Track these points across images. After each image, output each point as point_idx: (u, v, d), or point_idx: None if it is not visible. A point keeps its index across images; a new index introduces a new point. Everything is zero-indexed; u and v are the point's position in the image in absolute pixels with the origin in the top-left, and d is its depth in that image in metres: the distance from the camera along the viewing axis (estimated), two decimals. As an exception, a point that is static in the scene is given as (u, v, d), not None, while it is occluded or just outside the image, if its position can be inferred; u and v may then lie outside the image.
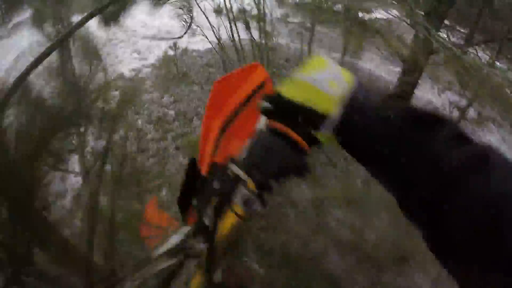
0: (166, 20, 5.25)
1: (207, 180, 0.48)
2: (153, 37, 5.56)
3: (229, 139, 0.51)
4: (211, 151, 0.50)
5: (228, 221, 0.47)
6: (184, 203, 0.51)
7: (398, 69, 4.40)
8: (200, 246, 0.47)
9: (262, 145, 0.45)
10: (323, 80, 0.40)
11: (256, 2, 3.81)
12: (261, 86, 0.53)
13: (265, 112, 0.44)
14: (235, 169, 0.44)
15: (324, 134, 0.41)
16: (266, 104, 0.43)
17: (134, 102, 3.63)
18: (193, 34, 4.11)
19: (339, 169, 2.88)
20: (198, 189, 0.50)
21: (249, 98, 0.53)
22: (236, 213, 0.45)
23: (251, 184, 0.44)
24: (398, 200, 0.38)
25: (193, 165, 0.51)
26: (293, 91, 0.41)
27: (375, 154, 0.38)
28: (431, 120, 0.36)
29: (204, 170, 0.49)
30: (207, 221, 0.46)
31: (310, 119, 0.40)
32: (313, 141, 0.43)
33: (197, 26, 3.92)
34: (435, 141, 0.35)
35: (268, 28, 4.13)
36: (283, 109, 0.42)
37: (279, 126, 0.43)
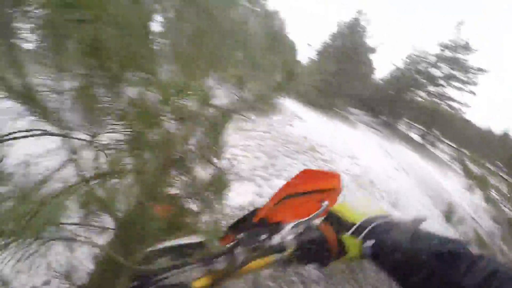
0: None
1: (255, 224, 0.66)
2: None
3: (284, 208, 0.68)
4: (268, 208, 0.66)
5: (258, 262, 0.65)
6: (230, 229, 0.68)
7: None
8: (219, 265, 0.63)
9: (307, 236, 0.65)
10: (359, 205, 0.66)
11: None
12: (328, 190, 0.72)
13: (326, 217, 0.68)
14: (284, 233, 0.64)
15: (350, 240, 0.61)
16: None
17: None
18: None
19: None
20: (246, 227, 0.67)
21: (315, 191, 0.70)
22: (267, 260, 0.65)
23: (288, 251, 0.63)
24: None
25: (253, 212, 0.69)
26: (338, 207, 0.68)
27: (400, 271, 0.53)
28: (450, 254, 0.49)
29: (257, 218, 0.66)
30: (238, 251, 0.63)
31: (342, 226, 0.63)
32: (342, 249, 0.63)
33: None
34: (454, 270, 0.47)
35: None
36: (329, 217, 0.67)
37: (324, 227, 0.66)
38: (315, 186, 0.70)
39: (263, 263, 0.67)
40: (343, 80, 14.92)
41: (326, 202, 0.69)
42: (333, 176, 0.72)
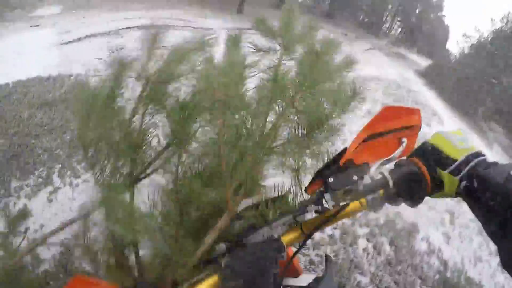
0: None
1: (341, 168, 0.64)
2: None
3: (367, 149, 0.66)
4: (352, 151, 0.64)
5: (352, 206, 0.70)
6: (317, 175, 0.66)
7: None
8: (312, 213, 0.65)
9: (403, 171, 0.63)
10: (455, 139, 0.61)
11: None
12: (410, 127, 0.70)
13: (416, 150, 0.66)
14: (372, 173, 0.64)
15: (449, 177, 0.58)
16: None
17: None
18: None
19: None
20: (332, 172, 0.64)
21: (396, 130, 0.68)
22: (361, 203, 0.71)
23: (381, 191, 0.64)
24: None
25: (341, 153, 0.66)
26: (434, 140, 0.64)
27: (492, 211, 0.53)
28: None
29: (342, 161, 0.64)
30: (328, 197, 0.62)
31: (440, 161, 0.60)
32: (436, 185, 0.62)
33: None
34: None
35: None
36: (424, 150, 0.64)
37: (417, 161, 0.63)
38: (396, 124, 0.68)
39: (357, 206, 0.71)
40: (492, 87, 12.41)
41: (405, 140, 0.68)
42: (413, 112, 0.71)
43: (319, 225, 0.70)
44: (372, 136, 0.66)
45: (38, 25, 5.90)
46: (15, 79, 4.24)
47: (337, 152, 0.69)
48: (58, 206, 2.51)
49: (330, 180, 0.63)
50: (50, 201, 2.56)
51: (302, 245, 0.72)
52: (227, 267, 0.65)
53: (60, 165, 2.96)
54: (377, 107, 5.26)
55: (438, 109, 6.79)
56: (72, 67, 4.56)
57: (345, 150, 0.66)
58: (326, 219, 0.69)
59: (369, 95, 5.53)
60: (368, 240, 3.03)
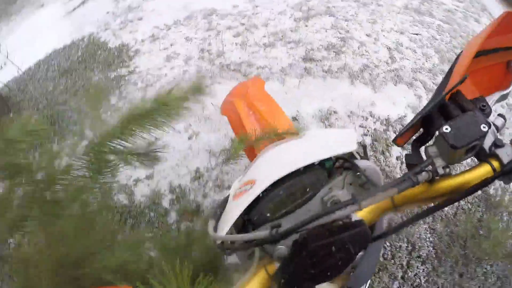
0: None
1: (453, 106, 0.43)
2: None
3: (475, 76, 0.47)
4: (461, 73, 0.44)
5: (478, 171, 0.42)
6: (413, 120, 0.45)
7: None
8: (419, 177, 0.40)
9: None
10: None
11: None
12: None
13: None
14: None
15: None
16: None
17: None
18: None
19: None
20: (447, 112, 0.43)
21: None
22: (492, 166, 0.41)
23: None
24: None
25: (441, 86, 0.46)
26: None
27: None
28: None
29: (446, 93, 0.44)
30: (435, 154, 0.42)
31: None
32: None
33: None
34: None
35: None
36: None
37: None
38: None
39: (488, 171, 0.41)
40: None
41: None
42: None
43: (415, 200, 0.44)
44: (484, 52, 0.47)
45: (42, 5, 5.69)
46: (35, 60, 4.13)
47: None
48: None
49: (446, 129, 0.40)
50: (86, 154, 2.42)
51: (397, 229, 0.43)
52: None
53: (90, 119, 2.73)
54: (415, 2, 4.02)
55: (487, 2, 5.12)
56: (83, 30, 4.27)
57: (447, 77, 0.45)
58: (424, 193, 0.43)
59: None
60: (403, 147, 2.44)
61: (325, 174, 0.50)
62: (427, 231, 2.18)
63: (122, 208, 2.21)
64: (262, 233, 0.40)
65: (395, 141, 0.48)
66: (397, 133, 0.47)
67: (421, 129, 0.47)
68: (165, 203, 2.19)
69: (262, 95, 1.13)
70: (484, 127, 0.40)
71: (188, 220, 2.00)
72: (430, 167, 0.42)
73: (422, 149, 0.47)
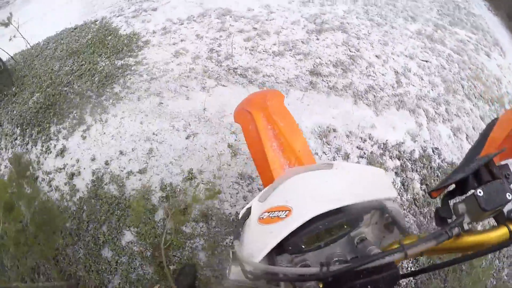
0: None
1: (485, 172, 0.47)
2: None
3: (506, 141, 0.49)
4: (501, 139, 0.48)
5: (497, 232, 0.47)
6: (451, 179, 0.49)
7: None
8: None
9: None
10: None
11: None
12: None
13: None
14: None
15: None
16: None
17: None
18: None
19: None
20: (479, 178, 0.47)
21: None
22: (509, 229, 0.47)
23: None
24: None
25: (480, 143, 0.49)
26: None
27: None
28: None
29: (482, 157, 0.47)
30: (463, 210, 0.47)
31: None
32: None
33: None
34: None
35: None
36: None
37: None
38: None
39: (505, 233, 0.47)
40: None
41: None
42: None
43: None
44: None
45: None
46: (44, 36, 4.12)
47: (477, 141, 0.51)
48: (91, 141, 2.59)
49: (480, 193, 0.46)
50: (84, 138, 2.63)
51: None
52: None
53: (91, 105, 2.78)
54: (428, 28, 4.06)
55: (500, 37, 5.14)
56: (96, 13, 4.25)
57: (481, 141, 0.50)
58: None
59: (421, 13, 4.31)
60: (396, 174, 2.49)
61: (361, 214, 0.53)
62: (409, 260, 2.20)
63: (111, 199, 2.21)
64: (313, 269, 0.43)
65: (430, 193, 0.54)
66: (432, 187, 0.50)
67: (453, 185, 0.52)
68: (155, 199, 2.19)
69: (282, 110, 1.09)
70: (509, 195, 0.46)
71: (175, 220, 2.00)
72: (457, 227, 0.47)
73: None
